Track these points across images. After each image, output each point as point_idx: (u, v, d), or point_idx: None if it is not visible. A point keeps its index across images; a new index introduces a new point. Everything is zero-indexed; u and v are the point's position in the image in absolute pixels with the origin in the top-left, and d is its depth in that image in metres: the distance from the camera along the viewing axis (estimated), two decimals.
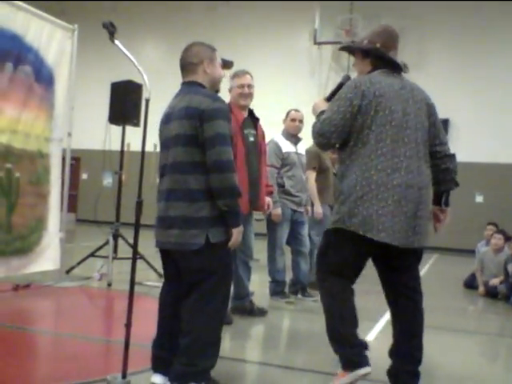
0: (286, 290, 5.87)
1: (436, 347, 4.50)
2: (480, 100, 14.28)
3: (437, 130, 3.11)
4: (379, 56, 3.09)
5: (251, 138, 4.63)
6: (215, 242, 2.74)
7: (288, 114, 5.90)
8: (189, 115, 2.76)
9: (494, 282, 6.95)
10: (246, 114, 4.69)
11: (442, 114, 13.64)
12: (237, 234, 2.79)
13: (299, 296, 5.89)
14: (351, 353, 2.99)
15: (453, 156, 3.17)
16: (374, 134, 2.92)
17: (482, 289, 7.15)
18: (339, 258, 3.05)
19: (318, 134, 3.01)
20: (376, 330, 4.66)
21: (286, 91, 14.72)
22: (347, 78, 3.16)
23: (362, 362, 2.97)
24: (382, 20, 14.52)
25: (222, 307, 2.88)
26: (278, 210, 5.46)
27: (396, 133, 2.92)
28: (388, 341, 3.21)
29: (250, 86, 4.62)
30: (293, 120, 5.81)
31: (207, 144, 2.72)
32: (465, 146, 14.40)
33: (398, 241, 2.90)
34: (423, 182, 2.98)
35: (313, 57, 15.71)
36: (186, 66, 2.97)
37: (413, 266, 3.14)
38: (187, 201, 2.75)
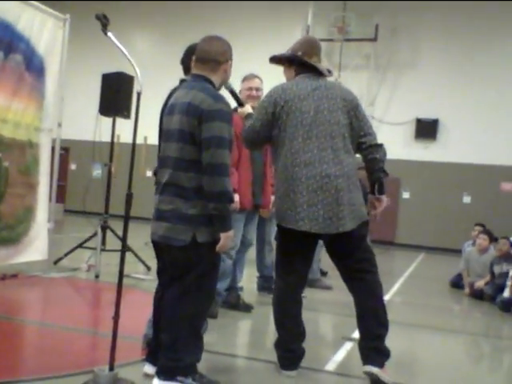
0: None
1: (420, 346, 4.55)
2: (470, 100, 14.35)
3: (360, 122, 3.29)
4: (301, 63, 3.36)
5: None
6: (201, 242, 2.72)
7: None
8: (189, 112, 2.72)
9: (479, 284, 6.98)
10: None
11: (431, 113, 13.83)
12: (225, 238, 2.72)
13: None
14: (280, 354, 3.37)
15: (379, 146, 3.30)
16: (288, 134, 3.22)
17: (467, 290, 7.20)
18: (282, 252, 3.38)
19: (244, 139, 3.44)
20: None
21: None
22: (228, 86, 3.30)
23: (284, 365, 3.35)
24: (374, 18, 14.60)
25: (203, 303, 2.85)
26: None
27: (307, 130, 3.19)
28: None
29: (258, 89, 4.72)
30: None
31: (203, 145, 2.68)
32: (454, 147, 14.52)
33: (316, 228, 3.13)
34: (341, 171, 3.17)
35: None
36: (208, 62, 2.86)
37: (355, 249, 3.28)
38: (179, 197, 2.74)
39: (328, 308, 5.65)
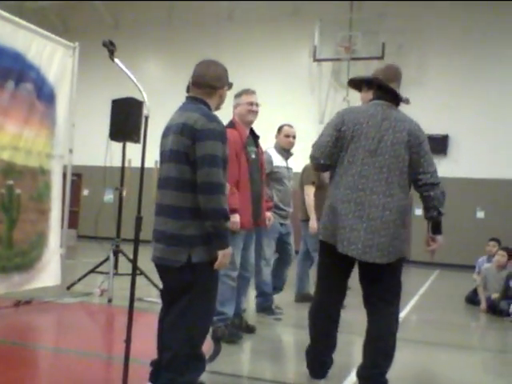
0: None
1: (438, 363, 4.48)
2: (480, 115, 14.31)
3: (421, 159, 3.28)
4: (380, 86, 3.39)
5: (253, 156, 4.68)
6: (197, 262, 2.74)
7: (281, 129, 5.97)
8: (184, 132, 2.76)
9: (496, 296, 6.91)
10: (248, 131, 4.73)
11: (441, 129, 13.79)
12: (222, 256, 2.74)
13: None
14: (310, 362, 3.51)
15: (435, 184, 3.29)
16: (348, 156, 3.29)
17: (483, 305, 7.12)
18: (321, 267, 3.49)
19: (310, 157, 3.45)
20: None
21: (285, 107, 14.79)
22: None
23: (313, 373, 3.50)
24: (380, 37, 14.66)
25: (202, 323, 2.85)
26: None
27: (367, 157, 3.24)
28: None
29: (257, 105, 4.72)
30: (287, 136, 5.93)
31: (197, 164, 2.72)
32: (465, 162, 14.44)
33: (353, 253, 3.17)
34: (390, 204, 3.19)
35: (312, 73, 15.81)
36: (204, 87, 2.92)
37: (384, 277, 3.30)
38: (174, 217, 2.77)
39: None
